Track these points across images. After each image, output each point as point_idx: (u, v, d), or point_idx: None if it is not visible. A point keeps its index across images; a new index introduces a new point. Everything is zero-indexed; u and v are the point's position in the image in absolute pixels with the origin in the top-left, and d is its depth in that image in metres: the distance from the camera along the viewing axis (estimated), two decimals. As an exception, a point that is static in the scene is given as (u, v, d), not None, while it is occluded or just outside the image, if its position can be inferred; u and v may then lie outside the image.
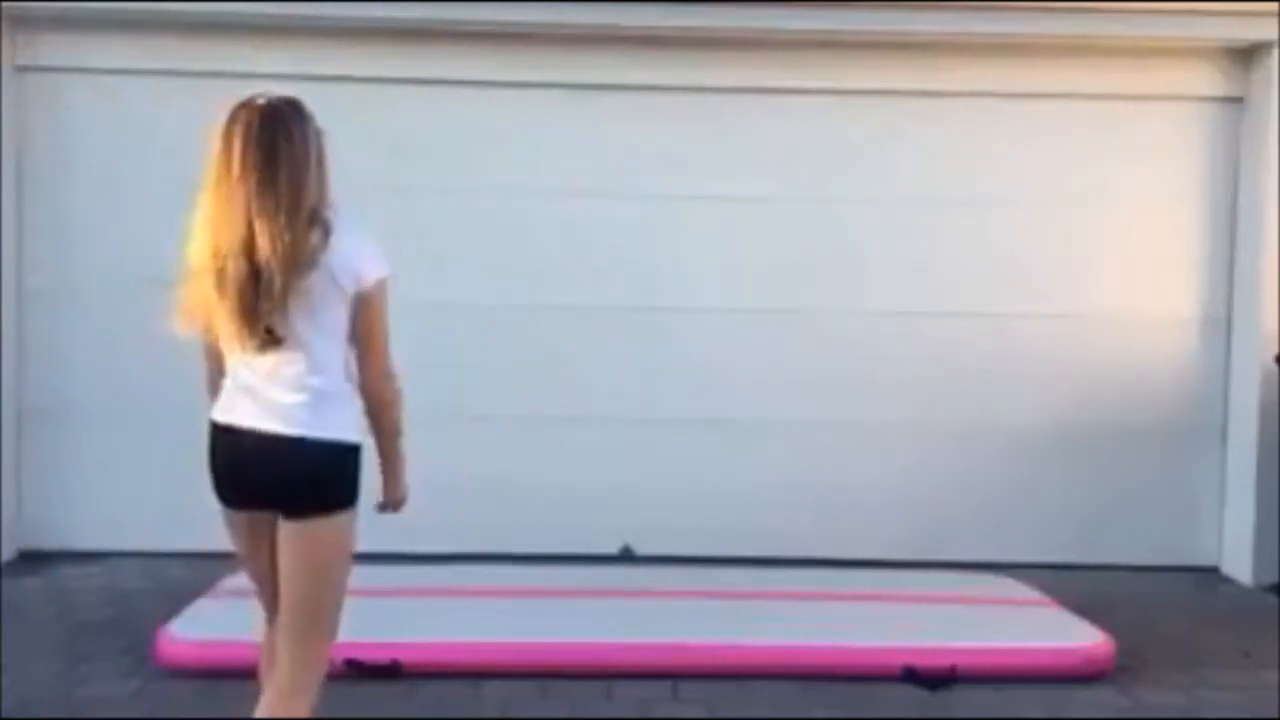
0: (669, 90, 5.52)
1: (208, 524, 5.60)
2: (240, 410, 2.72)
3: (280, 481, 2.69)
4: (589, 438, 5.40)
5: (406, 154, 5.51)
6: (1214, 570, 5.64)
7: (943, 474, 5.60)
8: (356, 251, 2.69)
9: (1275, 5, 5.27)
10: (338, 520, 2.75)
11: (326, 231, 2.65)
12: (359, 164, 5.47)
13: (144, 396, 5.51)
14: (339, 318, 2.70)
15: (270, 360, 2.67)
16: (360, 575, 4.70)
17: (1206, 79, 5.59)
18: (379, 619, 4.25)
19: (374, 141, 5.51)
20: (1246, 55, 5.54)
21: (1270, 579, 5.39)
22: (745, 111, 5.56)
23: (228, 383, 2.78)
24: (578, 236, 5.49)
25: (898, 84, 5.55)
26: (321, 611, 2.86)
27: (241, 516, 2.82)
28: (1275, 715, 3.79)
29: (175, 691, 3.80)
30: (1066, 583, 5.07)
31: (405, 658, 3.91)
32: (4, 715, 3.61)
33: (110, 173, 5.49)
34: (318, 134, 2.87)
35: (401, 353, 5.58)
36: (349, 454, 2.76)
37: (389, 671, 3.88)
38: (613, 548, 5.49)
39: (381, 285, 2.73)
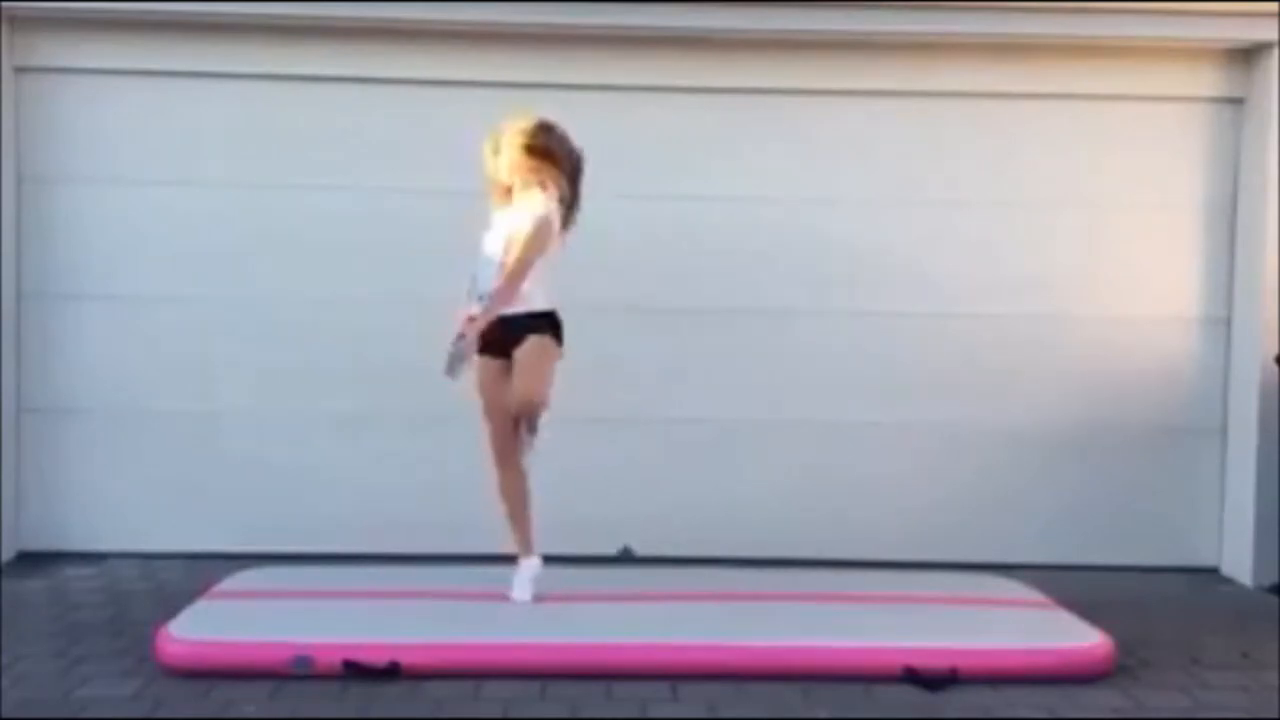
0: (671, 91, 5.52)
1: (206, 525, 5.66)
2: None
3: None
4: (589, 439, 5.39)
5: (404, 154, 5.52)
6: (1214, 571, 5.64)
7: (943, 474, 5.61)
8: None
9: (1275, 5, 5.27)
10: None
11: None
12: (355, 162, 5.51)
13: (144, 397, 5.52)
14: None
15: None
16: (359, 576, 4.74)
17: (1207, 79, 5.59)
18: (378, 620, 4.26)
19: (372, 141, 5.52)
20: (1246, 56, 5.54)
21: (1270, 579, 5.39)
22: (745, 112, 5.56)
23: None
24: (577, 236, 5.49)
25: (897, 84, 5.55)
26: None
27: None
28: (1275, 716, 3.79)
29: (174, 692, 3.79)
30: (1066, 583, 5.06)
31: (404, 659, 3.91)
32: (4, 715, 3.60)
33: (110, 173, 5.49)
34: None
35: (401, 355, 5.60)
36: None
37: (388, 672, 3.88)
38: (613, 548, 5.49)
39: None
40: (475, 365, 4.38)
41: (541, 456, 4.50)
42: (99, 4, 5.24)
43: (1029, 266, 5.63)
